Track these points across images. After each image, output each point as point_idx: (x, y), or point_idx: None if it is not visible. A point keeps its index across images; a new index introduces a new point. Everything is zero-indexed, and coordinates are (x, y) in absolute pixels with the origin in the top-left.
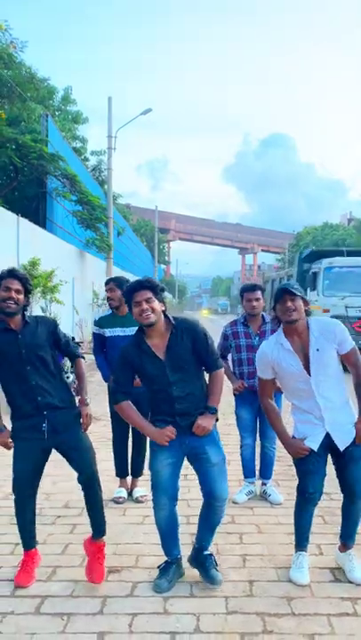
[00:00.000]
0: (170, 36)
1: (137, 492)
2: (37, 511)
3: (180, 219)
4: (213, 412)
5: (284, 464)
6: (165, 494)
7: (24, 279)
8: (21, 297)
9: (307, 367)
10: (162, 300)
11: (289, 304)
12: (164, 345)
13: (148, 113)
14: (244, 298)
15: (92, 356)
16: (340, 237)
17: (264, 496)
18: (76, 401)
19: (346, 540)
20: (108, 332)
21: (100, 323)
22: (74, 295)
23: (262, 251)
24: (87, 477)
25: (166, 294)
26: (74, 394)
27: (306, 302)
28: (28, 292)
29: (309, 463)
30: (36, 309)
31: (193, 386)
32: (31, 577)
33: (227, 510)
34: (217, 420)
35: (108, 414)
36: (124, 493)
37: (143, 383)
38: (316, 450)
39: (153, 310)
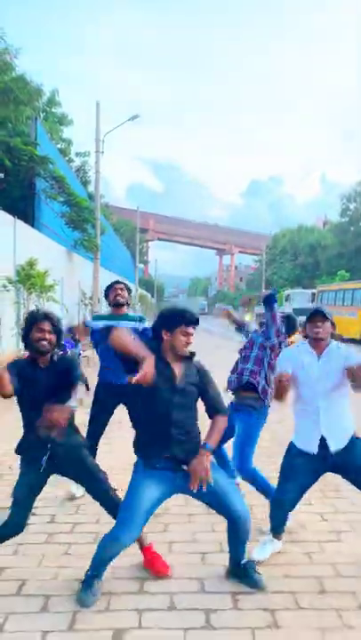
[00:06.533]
0: None
1: None
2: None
3: (159, 219)
4: (210, 450)
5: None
6: (138, 529)
7: (55, 321)
8: (53, 337)
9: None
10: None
11: (318, 323)
12: (179, 371)
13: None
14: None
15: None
16: (315, 240)
17: None
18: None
19: None
20: (101, 324)
21: (95, 318)
22: (63, 294)
23: (240, 252)
24: (103, 500)
25: (145, 294)
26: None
27: (333, 326)
28: (58, 333)
29: (292, 469)
30: (30, 308)
31: (190, 414)
32: None
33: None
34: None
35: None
36: (79, 492)
37: (143, 402)
38: (315, 453)
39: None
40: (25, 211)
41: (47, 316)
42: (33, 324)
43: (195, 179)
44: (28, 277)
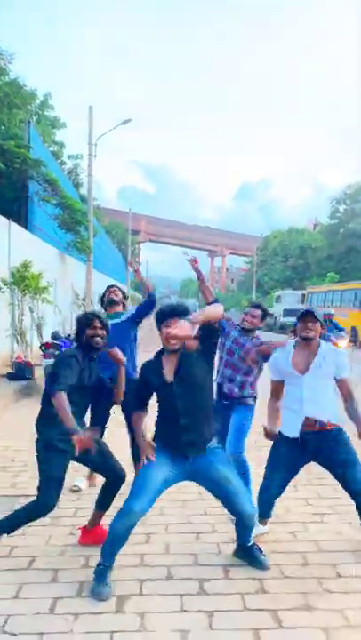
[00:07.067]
0: None
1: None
2: None
3: (151, 220)
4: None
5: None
6: (149, 501)
7: (103, 318)
8: (104, 332)
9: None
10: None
11: (309, 324)
12: (172, 366)
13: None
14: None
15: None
16: (306, 242)
17: None
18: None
19: None
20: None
21: None
22: (56, 296)
23: (231, 254)
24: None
25: (137, 295)
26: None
27: (323, 327)
28: (107, 329)
29: (277, 459)
30: (24, 309)
31: (199, 399)
32: None
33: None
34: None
35: None
36: (82, 484)
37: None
38: (295, 436)
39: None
40: (18, 213)
41: (96, 315)
42: (85, 324)
43: (185, 181)
44: (22, 279)
